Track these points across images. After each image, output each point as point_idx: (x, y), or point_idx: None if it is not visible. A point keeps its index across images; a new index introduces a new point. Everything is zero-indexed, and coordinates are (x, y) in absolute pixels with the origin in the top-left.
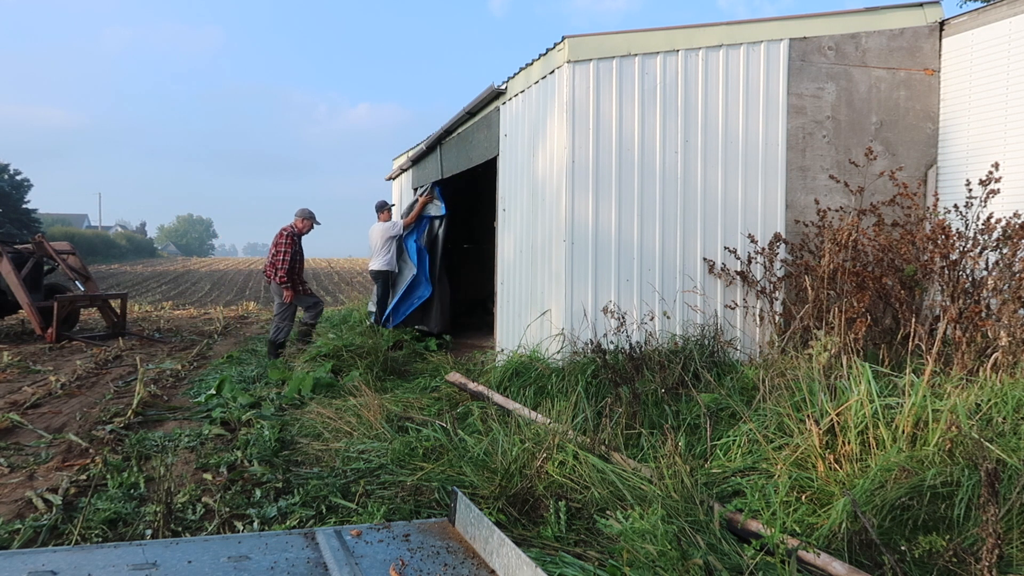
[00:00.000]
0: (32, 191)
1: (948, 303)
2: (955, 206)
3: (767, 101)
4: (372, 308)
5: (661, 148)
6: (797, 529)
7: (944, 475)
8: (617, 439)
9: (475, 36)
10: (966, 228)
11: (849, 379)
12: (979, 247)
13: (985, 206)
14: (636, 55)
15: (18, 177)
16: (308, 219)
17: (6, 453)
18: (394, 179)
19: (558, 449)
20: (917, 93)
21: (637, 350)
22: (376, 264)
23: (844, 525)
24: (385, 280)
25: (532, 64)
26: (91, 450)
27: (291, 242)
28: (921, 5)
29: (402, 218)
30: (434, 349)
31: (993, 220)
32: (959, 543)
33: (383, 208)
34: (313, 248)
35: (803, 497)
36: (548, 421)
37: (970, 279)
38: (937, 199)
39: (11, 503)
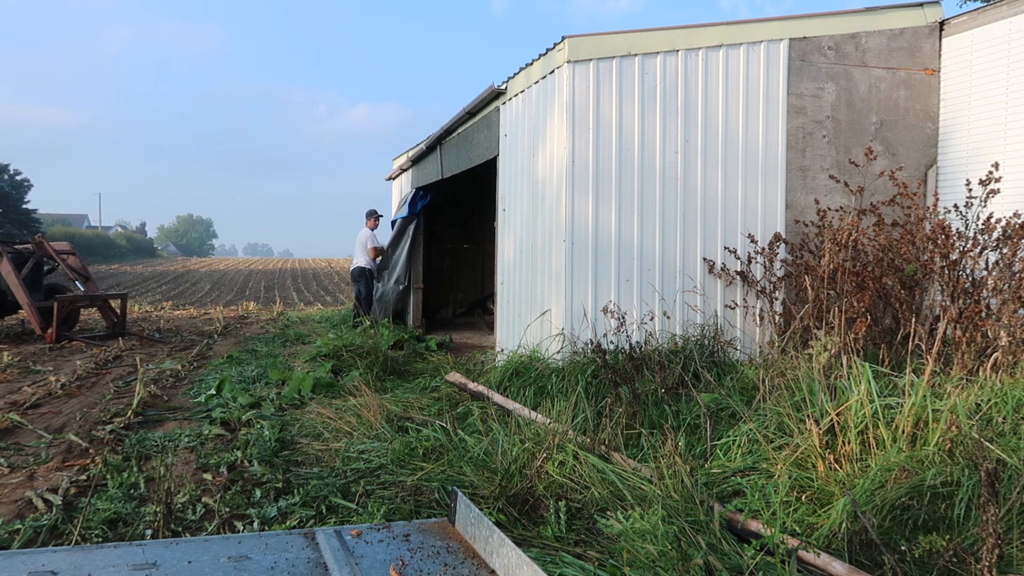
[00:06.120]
0: (32, 191)
1: (948, 303)
2: (955, 206)
3: (767, 101)
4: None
5: (661, 148)
6: (797, 529)
7: (944, 475)
8: (617, 439)
9: (476, 36)
10: (966, 228)
11: (849, 379)
12: (979, 247)
13: (985, 206)
14: (636, 55)
15: (18, 177)
16: None
17: (6, 453)
18: (394, 179)
19: (558, 449)
20: (917, 93)
21: (637, 350)
22: (356, 263)
23: (844, 525)
24: (361, 276)
25: (532, 64)
26: (91, 450)
27: None
28: (921, 5)
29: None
30: (434, 349)
31: (993, 220)
32: (959, 543)
33: (371, 216)
34: (313, 248)
35: (803, 497)
36: (548, 421)
37: (970, 279)
38: (937, 199)
39: (11, 503)
